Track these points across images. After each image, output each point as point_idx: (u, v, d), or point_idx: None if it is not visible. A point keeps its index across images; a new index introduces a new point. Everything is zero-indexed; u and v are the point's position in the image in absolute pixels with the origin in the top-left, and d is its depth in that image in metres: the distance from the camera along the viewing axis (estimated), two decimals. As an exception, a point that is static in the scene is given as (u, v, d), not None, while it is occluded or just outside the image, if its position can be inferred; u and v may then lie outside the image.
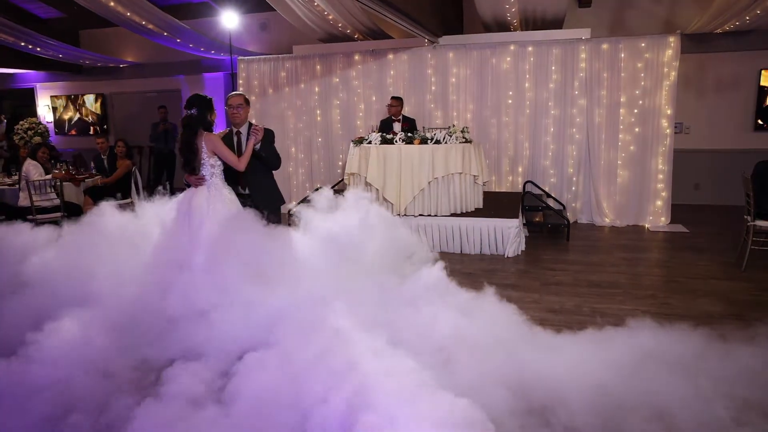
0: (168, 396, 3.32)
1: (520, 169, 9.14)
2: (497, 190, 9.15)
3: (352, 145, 7.79)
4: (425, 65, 9.39)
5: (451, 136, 7.36)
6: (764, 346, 3.70)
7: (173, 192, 10.03)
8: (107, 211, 5.25)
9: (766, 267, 6.23)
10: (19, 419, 3.17)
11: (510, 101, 9.03)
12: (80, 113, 13.76)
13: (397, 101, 8.50)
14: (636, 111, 8.52)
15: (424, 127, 8.69)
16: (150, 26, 9.28)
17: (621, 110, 8.59)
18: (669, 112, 8.39)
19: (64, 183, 7.89)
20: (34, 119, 12.39)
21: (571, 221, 8.22)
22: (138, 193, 8.60)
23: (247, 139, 5.01)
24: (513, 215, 7.23)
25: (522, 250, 7.23)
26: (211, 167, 4.70)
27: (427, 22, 8.15)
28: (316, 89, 10.00)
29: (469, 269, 6.45)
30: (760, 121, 9.67)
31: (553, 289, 5.74)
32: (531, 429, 3.07)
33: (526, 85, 8.92)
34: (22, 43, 10.29)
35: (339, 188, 7.75)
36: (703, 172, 10.03)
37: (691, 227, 8.30)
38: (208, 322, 4.00)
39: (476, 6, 8.40)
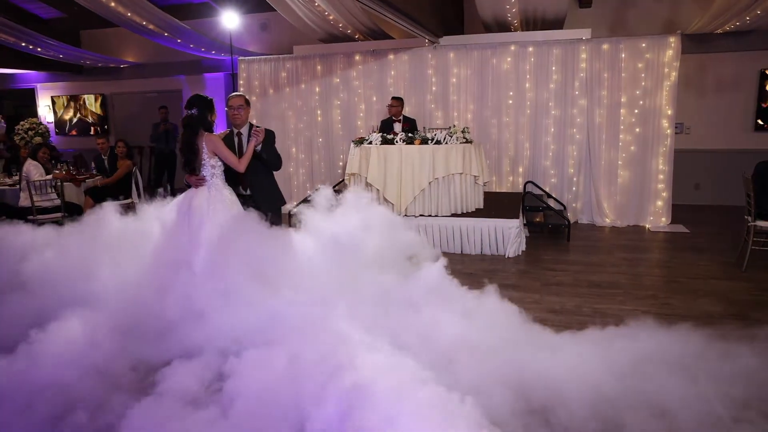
0: (164, 395, 3.33)
1: (520, 170, 9.14)
2: (498, 191, 9.15)
3: (352, 145, 7.79)
4: (426, 65, 9.39)
5: (451, 137, 7.36)
6: (765, 346, 3.70)
7: (174, 192, 10.05)
8: (108, 211, 5.26)
9: (767, 267, 6.23)
10: (20, 419, 3.17)
11: (510, 101, 9.03)
12: (81, 113, 13.77)
13: (398, 101, 8.50)
14: (636, 111, 8.52)
15: (424, 128, 8.68)
16: (150, 26, 9.29)
17: (621, 110, 8.59)
18: (669, 112, 8.39)
19: (64, 183, 7.90)
20: (34, 119, 12.41)
21: (571, 221, 8.22)
22: (139, 193, 8.60)
23: (248, 140, 5.01)
24: (513, 215, 7.23)
25: (522, 251, 7.23)
26: (211, 168, 4.71)
27: (428, 23, 8.15)
28: (317, 89, 10.00)
29: (469, 269, 6.45)
30: (760, 122, 9.66)
31: (554, 289, 5.74)
32: (532, 429, 3.07)
33: (527, 85, 8.92)
34: (23, 44, 10.30)
35: (339, 188, 7.76)
36: (703, 173, 10.03)
37: (692, 227, 8.29)
38: (208, 323, 4.01)
39: (477, 6, 8.40)
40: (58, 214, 7.70)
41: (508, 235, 7.05)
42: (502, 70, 9.00)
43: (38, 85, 14.00)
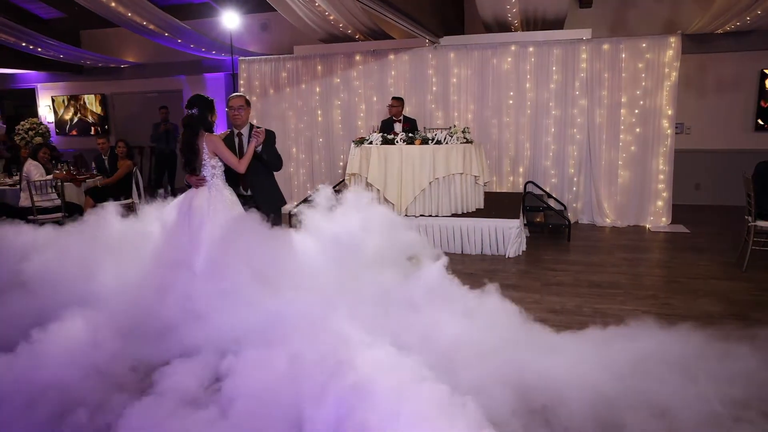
0: (163, 395, 3.33)
1: (521, 170, 9.14)
2: (498, 191, 9.15)
3: (353, 145, 7.79)
4: (426, 65, 9.39)
5: (452, 137, 7.36)
6: (765, 346, 3.70)
7: (174, 192, 10.05)
8: (108, 211, 5.26)
9: (767, 267, 6.23)
10: (20, 420, 3.18)
11: (511, 101, 9.03)
12: (81, 113, 13.77)
13: (398, 101, 8.50)
14: (637, 111, 8.52)
15: (425, 128, 8.69)
16: (151, 27, 9.29)
17: (622, 110, 8.59)
18: (670, 112, 8.39)
19: (65, 183, 7.90)
20: (35, 119, 12.41)
21: (572, 221, 8.22)
22: (139, 193, 8.60)
23: (249, 141, 5.01)
24: (514, 216, 7.23)
25: (523, 251, 7.23)
26: (212, 168, 4.71)
27: (428, 23, 8.15)
28: (317, 89, 10.00)
29: (470, 269, 6.45)
30: (760, 122, 9.66)
31: (554, 289, 5.74)
32: (532, 429, 3.07)
33: (527, 85, 8.92)
34: (23, 44, 10.31)
35: (339, 188, 7.76)
36: (703, 173, 10.03)
37: (692, 227, 8.29)
38: (208, 323, 4.01)
39: (477, 6, 8.40)
40: (59, 214, 7.70)
41: (509, 235, 7.05)
42: (502, 70, 9.00)
43: (38, 85, 14.00)
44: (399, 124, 8.42)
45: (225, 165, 4.79)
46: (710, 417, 3.10)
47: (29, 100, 14.16)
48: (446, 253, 6.94)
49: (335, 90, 9.92)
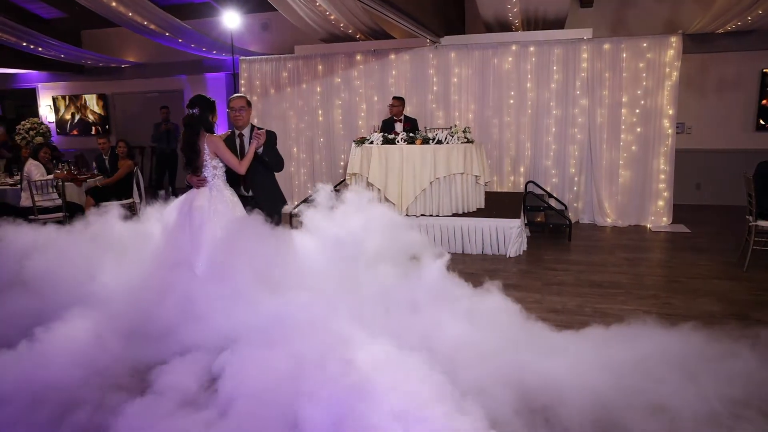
0: (161, 394, 3.34)
1: (521, 169, 9.14)
2: (499, 191, 9.15)
3: (353, 145, 7.80)
4: (427, 65, 9.39)
5: (452, 137, 7.36)
6: (765, 346, 3.70)
7: (175, 193, 10.05)
8: (109, 212, 5.27)
9: (768, 267, 6.24)
10: (21, 420, 3.18)
11: (512, 101, 9.03)
12: (82, 113, 13.78)
13: (399, 101, 8.50)
14: (638, 111, 8.52)
15: (425, 127, 8.69)
16: (152, 26, 9.29)
17: (623, 110, 8.59)
18: (671, 112, 8.39)
19: (65, 183, 7.90)
20: (35, 119, 12.41)
21: (572, 221, 8.22)
22: (140, 193, 8.60)
23: (250, 142, 5.01)
24: (515, 215, 7.24)
25: (524, 250, 7.23)
26: (213, 169, 4.72)
27: (429, 22, 8.15)
28: (318, 89, 10.01)
29: (471, 269, 6.45)
30: (761, 121, 9.66)
31: (555, 289, 5.74)
32: (532, 429, 3.07)
33: (528, 85, 8.92)
34: (24, 44, 10.31)
35: (340, 188, 7.76)
36: (704, 172, 10.03)
37: (693, 227, 8.29)
38: (208, 323, 4.01)
39: (478, 6, 8.40)
40: (59, 214, 7.70)
41: (510, 234, 7.05)
42: (503, 69, 9.00)
43: (39, 85, 14.01)
44: (400, 124, 8.42)
45: (226, 165, 4.79)
46: (710, 416, 3.10)
47: (30, 99, 14.16)
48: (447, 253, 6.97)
49: (336, 90, 9.92)
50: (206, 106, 4.76)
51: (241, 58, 10.45)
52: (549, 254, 7.10)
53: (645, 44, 8.37)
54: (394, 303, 4.26)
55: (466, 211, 7.48)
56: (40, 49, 10.76)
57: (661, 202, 8.59)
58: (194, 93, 4.90)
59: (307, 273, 4.46)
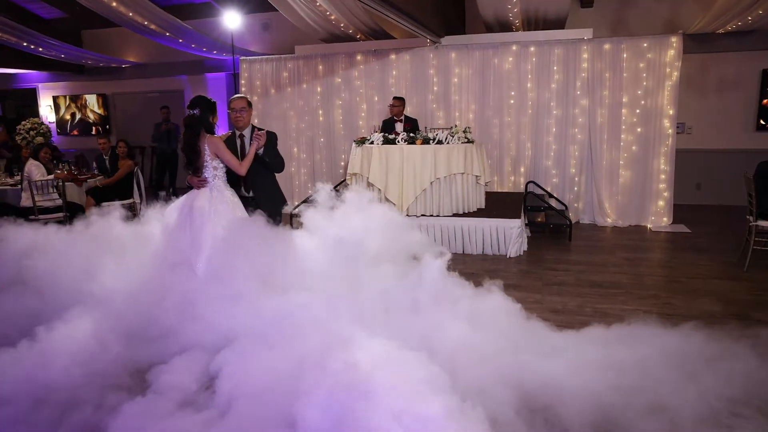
0: (159, 394, 3.34)
1: (522, 170, 9.14)
2: (499, 191, 9.15)
3: (354, 145, 7.80)
4: (427, 65, 9.39)
5: (453, 137, 7.37)
6: (766, 346, 3.70)
7: (176, 193, 10.05)
8: (109, 212, 5.27)
9: (769, 267, 6.24)
10: (22, 420, 3.18)
11: (512, 101, 9.03)
12: (82, 113, 13.78)
13: (399, 101, 8.50)
14: (638, 111, 8.52)
15: (426, 128, 8.69)
16: (152, 26, 9.29)
17: (623, 110, 8.59)
18: (671, 112, 8.39)
19: (66, 183, 7.90)
20: (36, 119, 12.39)
21: (573, 221, 8.22)
22: (140, 193, 8.61)
23: (250, 143, 5.00)
24: (515, 215, 7.23)
25: (524, 251, 7.24)
26: (213, 169, 4.72)
27: (429, 22, 8.15)
28: (319, 89, 10.01)
29: (471, 269, 6.45)
30: (762, 121, 9.66)
31: (556, 289, 5.74)
32: (533, 429, 3.07)
33: (528, 85, 8.92)
34: (25, 44, 10.31)
35: (340, 188, 7.76)
36: (705, 172, 10.03)
37: (693, 227, 8.29)
38: (209, 324, 4.02)
39: (478, 6, 8.40)
40: (60, 214, 7.70)
41: (510, 235, 7.05)
42: (503, 69, 9.00)
43: (40, 85, 14.01)
44: (400, 124, 8.42)
45: (226, 166, 4.80)
46: (710, 416, 3.11)
47: (30, 99, 14.17)
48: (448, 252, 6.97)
49: (336, 90, 9.93)
50: (207, 107, 4.77)
51: (242, 58, 10.45)
52: (549, 254, 7.10)
53: (645, 44, 8.37)
54: (394, 303, 4.26)
55: (466, 211, 7.48)
56: (40, 49, 10.76)
57: (661, 202, 8.59)
58: (195, 93, 4.90)
59: (307, 273, 4.46)
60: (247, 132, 5.18)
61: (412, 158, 7.26)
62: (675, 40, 8.27)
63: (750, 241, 6.17)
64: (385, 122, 8.63)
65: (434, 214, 7.39)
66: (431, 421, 2.70)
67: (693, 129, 9.97)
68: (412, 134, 7.52)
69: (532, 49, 8.82)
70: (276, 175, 5.34)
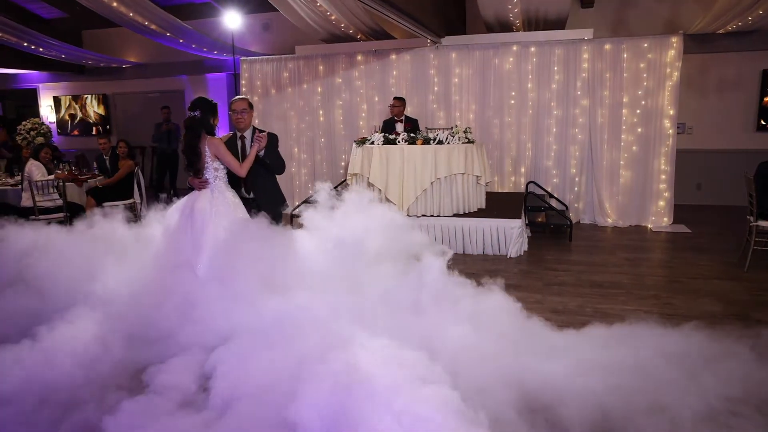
0: (158, 394, 3.34)
1: (522, 170, 9.14)
2: (500, 191, 9.16)
3: (354, 145, 7.80)
4: (428, 65, 9.40)
5: (453, 137, 7.37)
6: (766, 346, 3.71)
7: (177, 193, 10.05)
8: (110, 212, 5.28)
9: (769, 267, 6.24)
10: (22, 420, 3.19)
11: (512, 101, 9.03)
12: (83, 113, 13.79)
13: (400, 101, 8.50)
14: (638, 111, 8.52)
15: (426, 128, 8.68)
16: (153, 27, 9.30)
17: (623, 110, 8.59)
18: (671, 112, 8.39)
19: (66, 183, 7.90)
20: (36, 119, 12.39)
21: (573, 221, 8.22)
22: (141, 193, 8.61)
23: (251, 144, 5.00)
24: (515, 216, 7.24)
25: (525, 251, 7.24)
26: (214, 170, 4.72)
27: (430, 23, 8.15)
28: (319, 89, 10.01)
29: (471, 269, 6.44)
30: (762, 122, 9.66)
31: (556, 289, 5.74)
32: (533, 429, 3.07)
33: (529, 85, 8.92)
34: (25, 44, 10.31)
35: (340, 188, 7.76)
36: (705, 173, 10.04)
37: (694, 227, 8.30)
38: (209, 324, 4.02)
39: (479, 6, 8.40)
40: (60, 214, 7.70)
41: (510, 235, 7.06)
42: (504, 70, 9.00)
43: (40, 85, 14.02)
44: (401, 124, 8.42)
45: (226, 168, 4.80)
46: (709, 415, 3.11)
47: (31, 100, 14.18)
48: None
49: (337, 90, 9.93)
50: (208, 108, 4.77)
51: (242, 58, 10.45)
52: (550, 254, 7.10)
53: (646, 44, 8.37)
54: (395, 303, 4.26)
55: (467, 212, 7.48)
56: (41, 49, 10.76)
57: (661, 203, 8.59)
58: (195, 93, 4.91)
59: (307, 273, 4.46)
60: (248, 133, 5.18)
61: (412, 158, 7.26)
62: (675, 41, 8.27)
63: (750, 242, 6.17)
64: (385, 122, 8.63)
65: (435, 215, 7.39)
66: (431, 421, 2.70)
67: (693, 129, 9.97)
68: (412, 134, 7.53)
69: (532, 49, 8.83)
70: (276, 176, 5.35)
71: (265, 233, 4.42)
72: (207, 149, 4.67)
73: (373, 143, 7.50)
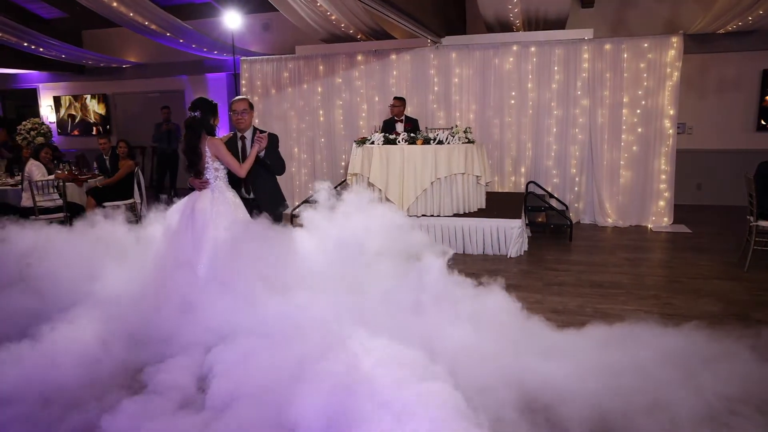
0: (157, 394, 3.34)
1: (522, 170, 9.14)
2: (500, 191, 9.16)
3: (354, 145, 7.80)
4: (428, 65, 9.39)
5: (453, 137, 7.37)
6: (766, 346, 3.71)
7: (177, 193, 10.05)
8: (110, 213, 5.28)
9: (769, 267, 6.24)
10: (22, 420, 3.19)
11: (513, 101, 9.03)
12: (83, 113, 13.79)
13: (400, 101, 8.50)
14: (639, 111, 8.52)
15: (426, 128, 8.69)
16: (153, 27, 9.30)
17: (624, 110, 8.59)
18: (672, 112, 8.39)
19: (66, 183, 7.90)
20: (36, 119, 12.37)
21: (573, 221, 8.22)
22: (141, 193, 8.61)
23: (252, 144, 5.00)
24: (516, 216, 7.24)
25: (525, 251, 7.24)
26: (215, 171, 4.73)
27: (430, 23, 8.15)
28: (319, 89, 10.01)
29: (472, 270, 6.44)
30: (762, 122, 9.66)
31: (556, 289, 5.74)
32: (533, 428, 3.07)
33: (529, 85, 8.92)
34: (25, 44, 10.31)
35: (340, 188, 7.75)
36: (705, 173, 10.03)
37: (694, 227, 8.30)
38: (209, 324, 4.02)
39: (479, 6, 8.40)
40: (60, 215, 7.71)
41: (511, 235, 7.06)
42: (504, 70, 9.00)
43: (40, 85, 14.02)
44: (401, 124, 8.42)
45: (226, 168, 4.80)
46: (709, 415, 3.11)
47: (31, 100, 14.18)
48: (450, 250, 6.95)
49: (337, 90, 9.93)
50: (208, 109, 4.77)
51: (242, 58, 10.45)
52: (550, 254, 7.10)
53: (646, 44, 8.37)
54: (395, 302, 4.26)
55: (467, 212, 7.48)
56: (41, 49, 10.76)
57: (662, 203, 8.59)
58: (195, 93, 4.90)
59: (307, 273, 4.46)
60: (248, 134, 5.18)
61: (412, 158, 7.26)
62: (675, 41, 8.27)
63: (750, 242, 6.17)
64: (385, 122, 8.63)
65: (435, 214, 7.39)
66: (431, 421, 2.70)
67: (693, 129, 9.97)
68: (412, 134, 7.53)
69: (532, 49, 8.83)
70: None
71: (266, 233, 4.42)
72: (207, 149, 4.67)
73: (373, 143, 7.50)
